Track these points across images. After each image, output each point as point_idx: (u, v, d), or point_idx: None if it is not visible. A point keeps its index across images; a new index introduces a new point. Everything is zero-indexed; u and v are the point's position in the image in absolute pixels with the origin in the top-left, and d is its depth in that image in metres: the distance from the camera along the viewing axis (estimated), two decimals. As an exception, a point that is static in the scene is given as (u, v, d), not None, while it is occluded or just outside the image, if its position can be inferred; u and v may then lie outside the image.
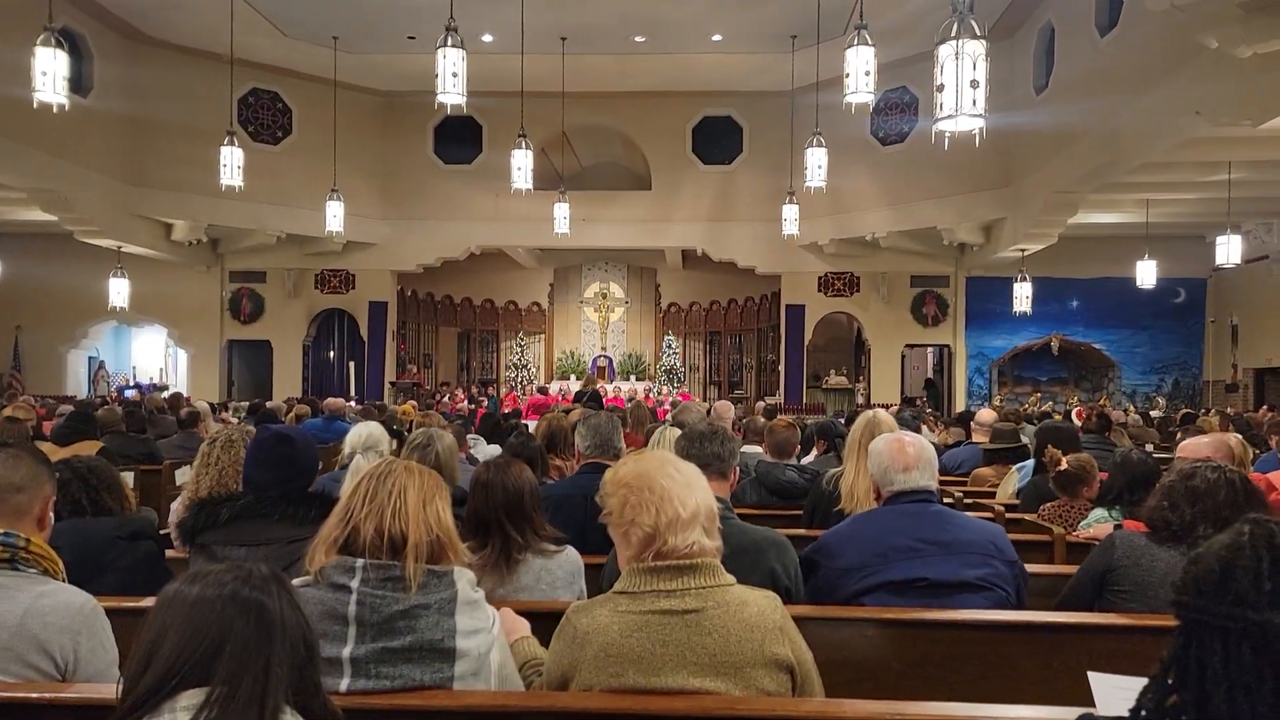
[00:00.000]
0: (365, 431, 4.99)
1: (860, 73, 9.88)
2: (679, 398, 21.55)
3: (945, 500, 4.34)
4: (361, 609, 2.30)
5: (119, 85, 18.14)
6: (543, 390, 23.01)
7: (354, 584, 2.32)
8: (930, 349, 24.44)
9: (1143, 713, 1.51)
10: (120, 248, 18.92)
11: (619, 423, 4.79)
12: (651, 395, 22.98)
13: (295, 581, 2.26)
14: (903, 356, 22.50)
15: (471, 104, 11.48)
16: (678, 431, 4.67)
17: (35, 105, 9.62)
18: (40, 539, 2.62)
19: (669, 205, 21.80)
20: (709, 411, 9.14)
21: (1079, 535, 4.63)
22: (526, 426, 6.93)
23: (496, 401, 22.03)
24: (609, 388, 22.33)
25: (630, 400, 19.20)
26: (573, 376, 25.11)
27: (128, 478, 5.36)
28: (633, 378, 25.25)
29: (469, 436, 6.82)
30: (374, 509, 2.40)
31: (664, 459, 2.38)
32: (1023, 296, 19.42)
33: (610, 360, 25.95)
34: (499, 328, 26.29)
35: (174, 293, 21.60)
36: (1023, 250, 18.62)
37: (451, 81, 10.04)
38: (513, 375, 25.18)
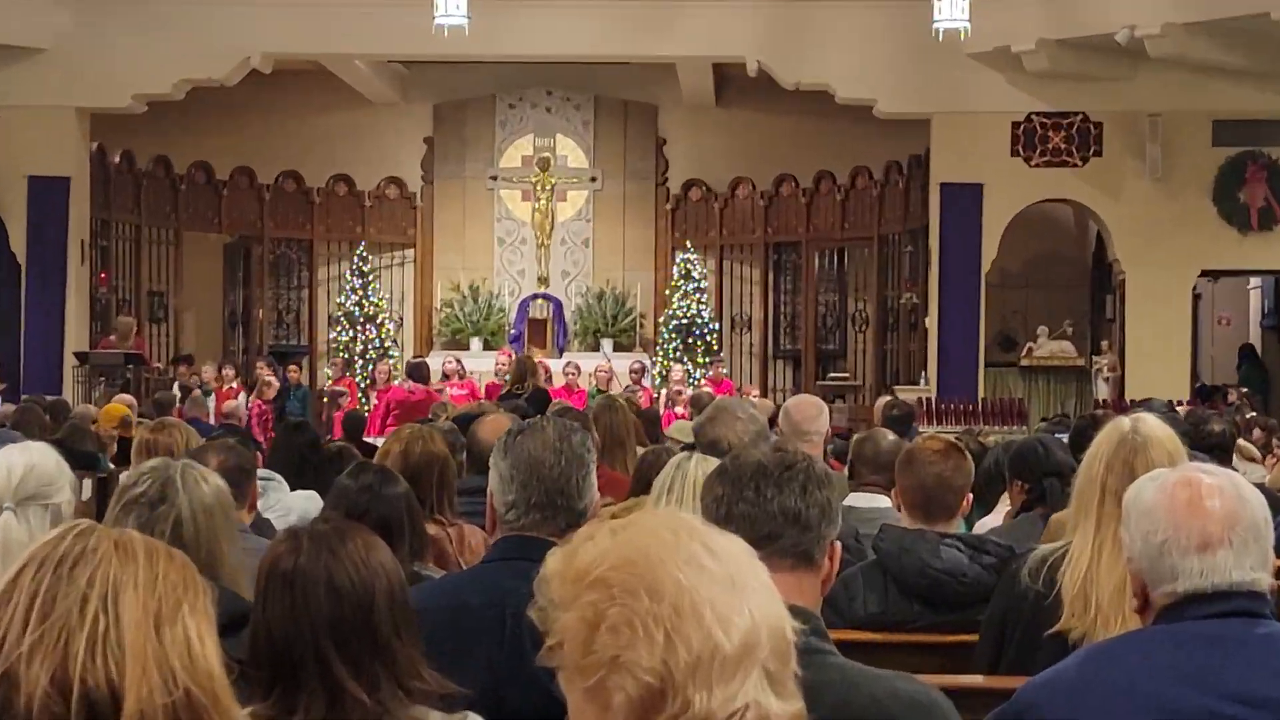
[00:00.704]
0: (22, 462, 4.87)
1: None
2: (708, 387, 21.50)
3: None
4: None
5: None
6: (415, 372, 22.49)
7: (8, 797, 2.26)
8: (1256, 282, 24.38)
9: None
10: None
11: (585, 451, 4.72)
12: (648, 382, 22.85)
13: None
14: (1196, 297, 22.51)
15: None
16: (708, 465, 4.67)
17: None
18: None
19: (685, -32, 21.83)
20: (774, 420, 9.14)
21: None
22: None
23: (305, 397, 21.87)
24: (554, 366, 22.09)
25: (600, 394, 18.91)
26: (476, 341, 25.08)
27: None
28: (605, 345, 25.16)
29: (260, 475, 6.93)
30: (50, 634, 2.40)
31: (679, 528, 2.36)
32: None
33: (558, 306, 25.88)
34: (313, 236, 26.37)
35: None
36: None
37: None
38: (346, 341, 25.19)
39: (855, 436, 8.56)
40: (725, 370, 24.33)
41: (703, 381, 22.80)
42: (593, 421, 8.49)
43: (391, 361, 24.19)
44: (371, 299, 25.35)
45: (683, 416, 17.60)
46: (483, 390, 20.94)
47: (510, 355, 21.50)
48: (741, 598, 2.28)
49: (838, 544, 3.75)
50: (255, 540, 5.46)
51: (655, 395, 21.79)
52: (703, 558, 2.29)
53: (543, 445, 4.62)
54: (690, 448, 6.87)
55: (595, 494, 4.71)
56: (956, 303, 22.18)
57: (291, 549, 3.49)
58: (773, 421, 9.47)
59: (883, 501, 7.02)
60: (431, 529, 5.87)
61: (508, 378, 18.78)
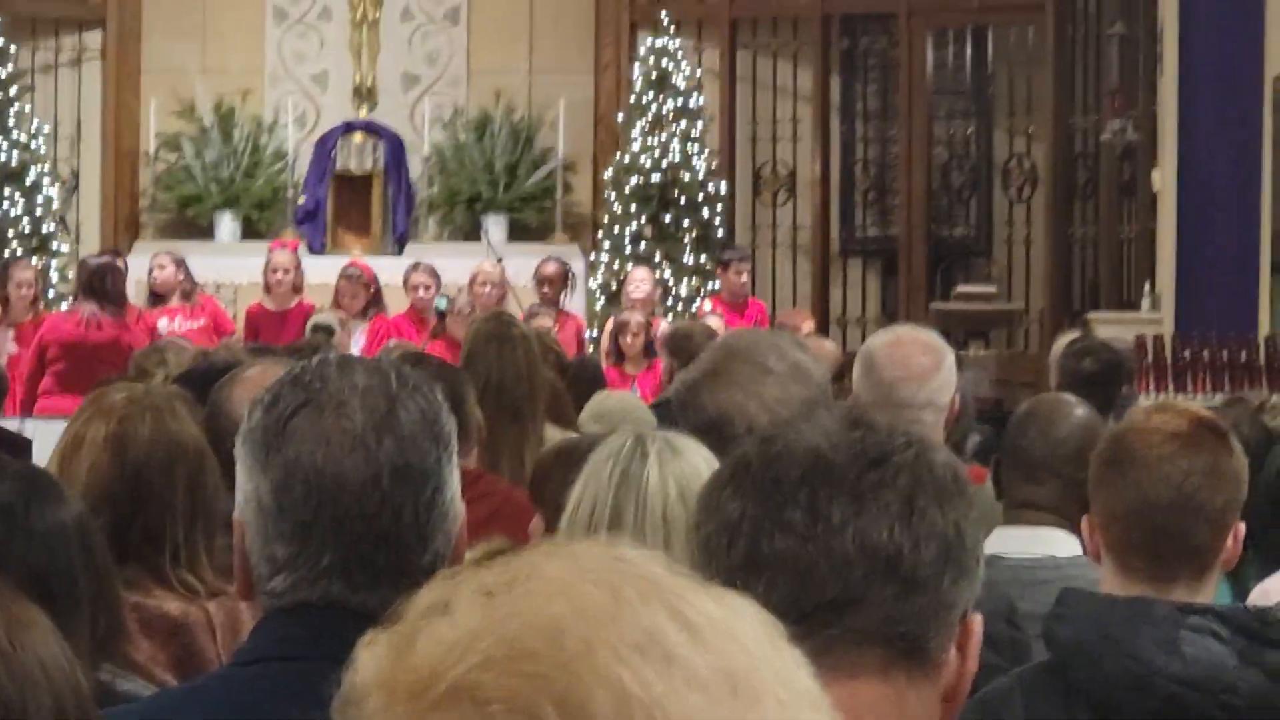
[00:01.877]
0: None
1: None
2: (711, 316, 16.99)
3: None
4: None
5: None
6: (99, 285, 15.57)
7: None
8: None
9: None
10: None
11: (432, 445, 3.21)
12: (577, 304, 18.56)
13: None
14: None
15: None
16: (688, 464, 3.95)
17: None
18: None
19: None
20: (843, 378, 7.87)
21: None
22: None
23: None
24: (386, 273, 16.98)
25: (489, 316, 14.74)
26: (226, 220, 19.73)
27: None
28: (493, 226, 20.23)
29: None
30: None
31: (622, 579, 1.53)
32: None
33: (395, 147, 21.18)
34: None
35: None
36: None
37: None
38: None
39: (1013, 414, 6.83)
40: (747, 280, 17.70)
41: (706, 300, 17.46)
42: (466, 369, 6.54)
43: (54, 264, 18.32)
44: (16, 137, 19.16)
45: (644, 376, 13.87)
46: (238, 321, 15.85)
47: (295, 249, 16.23)
48: (750, 717, 1.50)
49: (977, 620, 2.61)
50: None
51: (580, 329, 16.49)
52: (670, 638, 1.51)
53: (341, 440, 3.12)
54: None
55: (457, 528, 3.29)
56: (1215, 142, 15.71)
57: None
58: (841, 382, 7.89)
59: (1063, 544, 5.45)
60: (172, 602, 4.54)
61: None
